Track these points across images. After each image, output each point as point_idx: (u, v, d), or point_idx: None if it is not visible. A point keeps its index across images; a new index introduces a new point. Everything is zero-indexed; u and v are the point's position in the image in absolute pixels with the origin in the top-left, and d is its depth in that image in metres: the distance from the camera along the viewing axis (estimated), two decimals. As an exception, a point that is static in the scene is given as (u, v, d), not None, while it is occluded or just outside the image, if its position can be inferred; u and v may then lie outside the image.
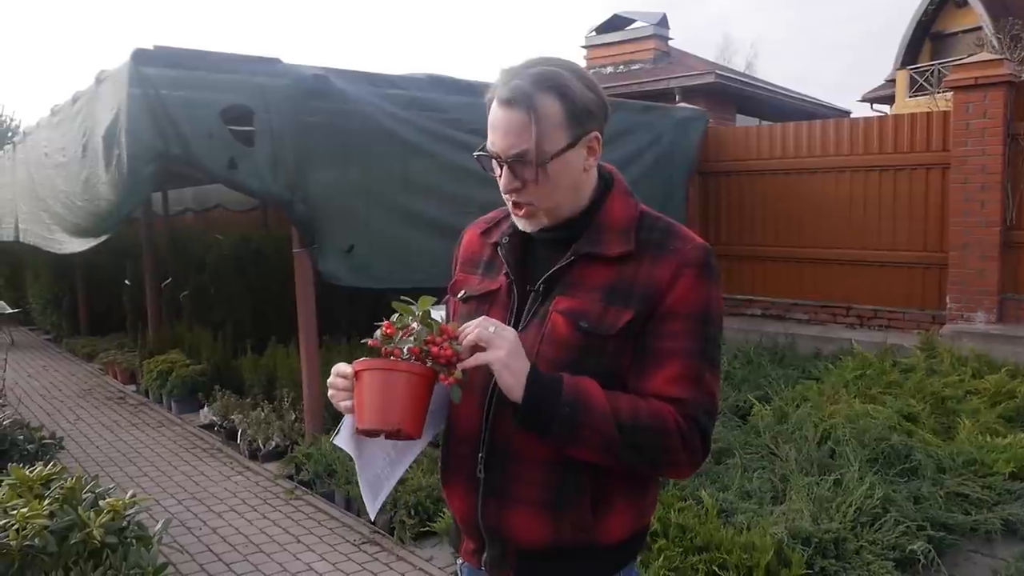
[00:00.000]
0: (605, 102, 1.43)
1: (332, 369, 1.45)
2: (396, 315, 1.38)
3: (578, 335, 1.38)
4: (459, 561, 1.62)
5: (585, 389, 1.33)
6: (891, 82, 22.22)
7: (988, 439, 4.55)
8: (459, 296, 1.57)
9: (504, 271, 1.50)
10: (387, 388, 1.32)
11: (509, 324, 1.45)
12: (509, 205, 1.47)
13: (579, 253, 1.42)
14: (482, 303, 1.51)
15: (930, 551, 3.50)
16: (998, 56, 7.45)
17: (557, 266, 1.43)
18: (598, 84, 1.44)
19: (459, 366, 1.33)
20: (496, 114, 1.39)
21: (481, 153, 1.43)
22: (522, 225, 1.46)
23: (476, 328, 1.33)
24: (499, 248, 1.51)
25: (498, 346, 1.32)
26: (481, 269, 1.57)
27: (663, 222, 1.46)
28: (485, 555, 1.50)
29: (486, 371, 1.42)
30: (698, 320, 1.37)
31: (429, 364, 1.33)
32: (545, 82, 1.36)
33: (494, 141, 1.39)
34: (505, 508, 1.43)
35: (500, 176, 1.41)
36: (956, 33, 20.75)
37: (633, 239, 1.41)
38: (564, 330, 1.39)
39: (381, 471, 1.54)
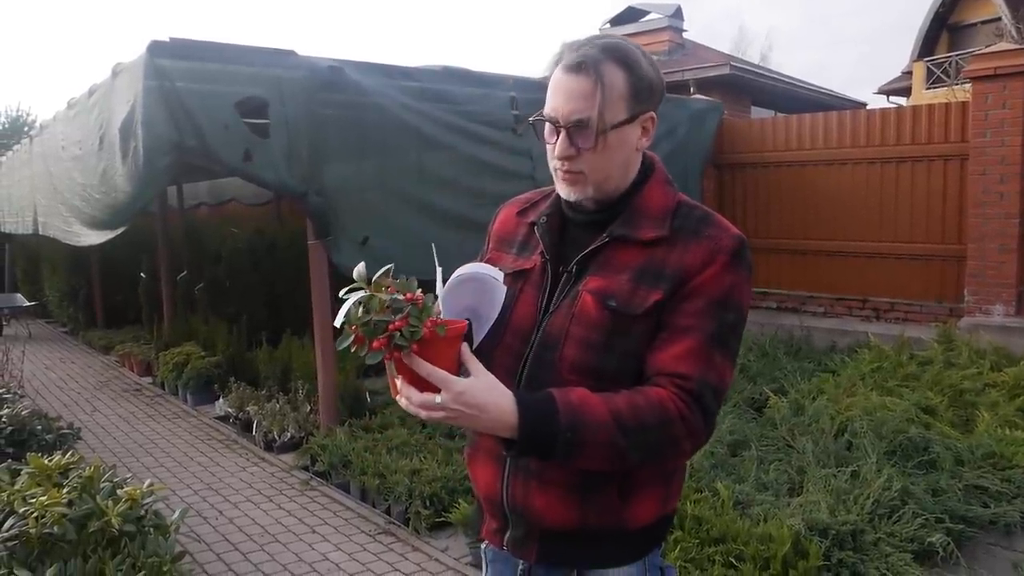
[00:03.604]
0: (664, 85, 1.45)
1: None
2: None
3: (606, 314, 1.37)
4: (483, 545, 1.62)
5: (579, 402, 1.30)
6: (908, 74, 22.02)
7: (1007, 432, 4.50)
8: None
9: (539, 251, 1.50)
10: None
11: (541, 303, 1.46)
12: (557, 175, 1.46)
13: (613, 235, 1.42)
14: (515, 281, 1.50)
15: (949, 543, 3.48)
16: (1018, 46, 7.36)
17: (591, 247, 1.43)
18: (658, 67, 1.45)
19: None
20: (560, 79, 1.39)
21: (539, 118, 1.43)
22: (566, 192, 1.45)
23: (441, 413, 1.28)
24: (536, 228, 1.52)
25: (463, 414, 1.27)
26: (516, 248, 1.56)
27: (700, 211, 1.45)
28: (508, 535, 1.49)
29: (516, 351, 1.43)
30: (718, 303, 1.36)
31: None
32: (614, 52, 1.38)
33: (555, 106, 1.39)
34: (531, 488, 1.42)
35: (556, 142, 1.41)
36: (974, 24, 20.54)
37: (668, 225, 1.41)
38: (593, 310, 1.38)
39: None
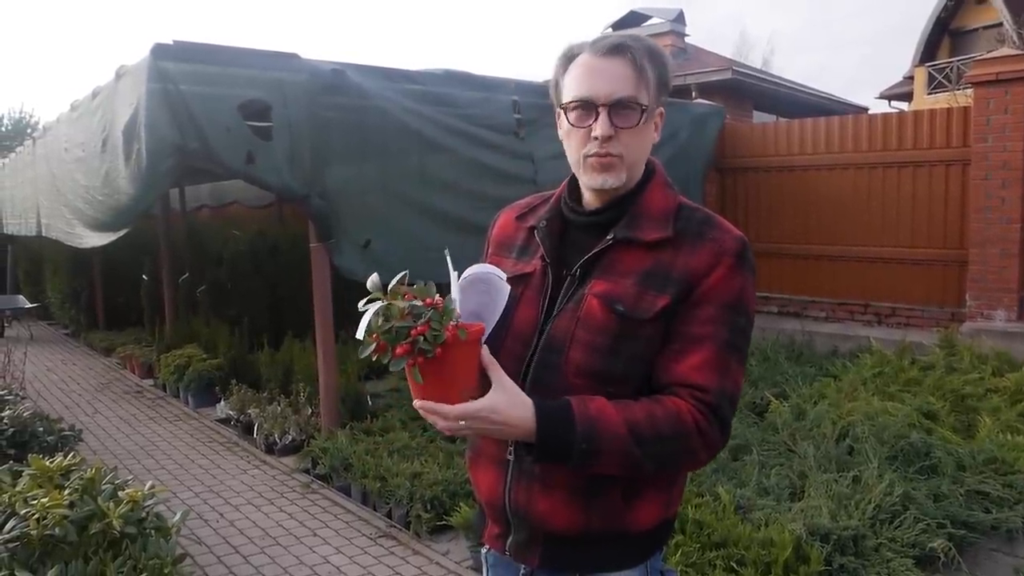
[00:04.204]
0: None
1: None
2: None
3: (614, 319, 1.37)
4: (483, 549, 1.62)
5: (596, 412, 1.31)
6: (909, 79, 22.06)
7: (1009, 437, 4.49)
8: None
9: (540, 254, 1.49)
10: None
11: (543, 307, 1.45)
12: (586, 163, 1.42)
13: (617, 237, 1.41)
14: (516, 285, 1.49)
15: (950, 549, 3.47)
16: (1020, 51, 7.36)
17: (595, 250, 1.42)
18: None
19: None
20: (593, 62, 1.40)
21: (571, 102, 1.41)
22: (600, 180, 1.42)
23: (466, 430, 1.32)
24: (536, 231, 1.51)
25: (486, 429, 1.31)
26: (515, 253, 1.56)
27: (702, 212, 1.46)
28: (510, 540, 1.49)
29: (517, 355, 1.42)
30: (730, 309, 1.36)
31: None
32: (643, 42, 1.42)
33: (592, 86, 1.39)
34: (534, 492, 1.42)
35: (590, 124, 1.39)
36: (976, 29, 20.58)
37: (671, 227, 1.41)
38: (600, 314, 1.38)
39: None
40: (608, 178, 1.42)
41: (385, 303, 1.28)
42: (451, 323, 1.27)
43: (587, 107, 1.39)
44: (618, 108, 1.38)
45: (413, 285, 1.33)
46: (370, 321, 1.27)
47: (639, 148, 1.42)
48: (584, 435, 1.29)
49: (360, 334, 1.28)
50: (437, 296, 1.30)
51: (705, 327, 1.35)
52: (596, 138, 1.39)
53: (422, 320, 1.25)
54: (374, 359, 1.28)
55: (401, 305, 1.26)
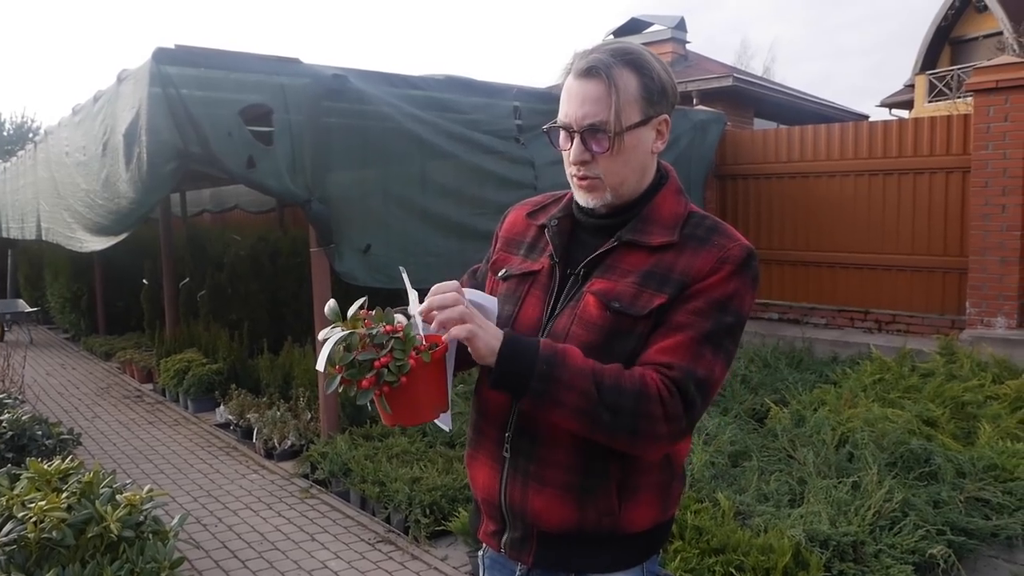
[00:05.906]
0: (676, 88, 1.46)
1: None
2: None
3: (608, 316, 1.38)
4: (480, 550, 1.62)
5: (563, 348, 1.33)
6: (910, 87, 22.11)
7: (1009, 444, 4.49)
8: (499, 275, 1.57)
9: (548, 253, 1.51)
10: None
11: (548, 306, 1.47)
12: (573, 181, 1.46)
13: (622, 240, 1.43)
14: (522, 283, 1.52)
15: (950, 556, 3.46)
16: (1020, 59, 7.38)
17: (599, 251, 1.44)
18: (671, 70, 1.46)
19: (446, 337, 1.29)
20: (572, 86, 1.41)
21: (552, 125, 1.45)
22: (584, 199, 1.46)
23: (445, 314, 1.30)
24: (546, 230, 1.52)
25: (469, 318, 1.30)
26: (523, 250, 1.57)
27: (711, 220, 1.46)
28: (505, 537, 1.49)
29: None
30: (717, 305, 1.36)
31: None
32: (624, 56, 1.39)
33: (568, 112, 1.41)
34: (529, 489, 1.42)
35: (570, 148, 1.42)
36: (976, 38, 20.63)
37: (678, 233, 1.42)
38: (595, 311, 1.39)
39: None
40: (592, 199, 1.45)
41: (346, 332, 1.26)
42: (414, 347, 1.25)
43: (567, 130, 1.42)
44: (590, 133, 1.39)
45: (373, 310, 1.31)
46: (333, 353, 1.25)
47: (619, 168, 1.42)
48: (546, 359, 1.30)
49: (320, 366, 1.27)
50: (398, 320, 1.29)
51: (688, 317, 1.36)
52: (572, 163, 1.43)
53: (384, 351, 1.24)
54: (340, 391, 1.27)
55: (361, 333, 1.25)
